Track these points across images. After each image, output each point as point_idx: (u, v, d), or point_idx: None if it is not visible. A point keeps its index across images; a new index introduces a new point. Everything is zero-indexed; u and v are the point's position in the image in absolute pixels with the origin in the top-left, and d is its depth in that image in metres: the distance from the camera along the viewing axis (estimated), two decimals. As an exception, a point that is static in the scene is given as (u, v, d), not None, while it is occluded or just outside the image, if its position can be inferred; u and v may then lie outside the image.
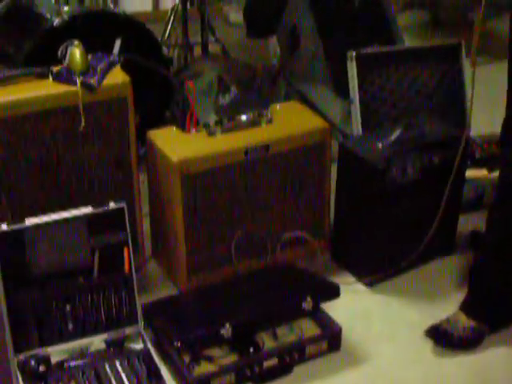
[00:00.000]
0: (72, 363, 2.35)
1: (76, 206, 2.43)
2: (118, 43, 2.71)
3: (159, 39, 3.85)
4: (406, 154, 2.71)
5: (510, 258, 2.50)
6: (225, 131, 2.70)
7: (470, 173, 3.08)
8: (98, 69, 2.53)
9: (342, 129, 3.47)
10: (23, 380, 2.28)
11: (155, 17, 5.08)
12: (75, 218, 2.37)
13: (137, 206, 2.72)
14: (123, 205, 2.42)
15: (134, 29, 3.34)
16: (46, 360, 2.33)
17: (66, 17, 3.20)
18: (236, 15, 5.15)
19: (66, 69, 2.52)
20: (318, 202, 2.88)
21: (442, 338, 2.54)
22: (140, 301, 2.49)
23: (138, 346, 2.43)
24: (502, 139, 2.48)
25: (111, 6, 3.57)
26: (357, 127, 3.14)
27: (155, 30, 3.63)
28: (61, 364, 2.35)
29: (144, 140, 2.76)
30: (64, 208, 2.41)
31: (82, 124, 2.49)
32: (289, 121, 2.81)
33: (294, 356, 2.42)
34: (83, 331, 2.42)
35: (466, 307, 2.59)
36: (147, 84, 3.24)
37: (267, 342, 2.46)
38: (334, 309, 2.57)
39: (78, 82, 2.47)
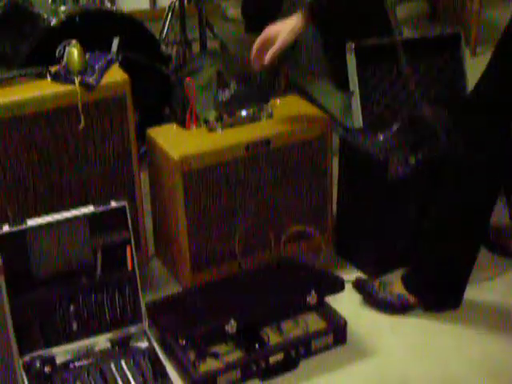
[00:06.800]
0: (77, 363, 2.35)
1: (77, 205, 2.43)
2: (115, 42, 2.71)
3: (157, 37, 3.84)
4: (407, 145, 2.70)
5: (442, 239, 2.54)
6: (225, 127, 2.70)
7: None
8: (97, 68, 2.53)
9: (342, 121, 3.46)
10: (29, 381, 2.27)
11: (153, 14, 5.08)
12: (77, 218, 2.37)
13: (139, 204, 2.71)
14: (124, 203, 2.41)
15: (131, 27, 3.33)
16: (51, 361, 2.33)
17: (63, 16, 3.20)
18: (234, 10, 5.13)
19: (65, 68, 2.51)
20: (321, 196, 2.87)
21: (366, 293, 2.69)
22: (144, 299, 2.49)
23: (143, 344, 2.42)
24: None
25: (108, 4, 3.56)
26: (357, 119, 3.13)
27: (153, 28, 3.63)
28: (66, 364, 2.34)
29: (144, 138, 2.75)
30: (65, 208, 2.41)
31: (82, 123, 2.49)
32: (289, 115, 2.80)
33: (299, 350, 2.42)
34: (88, 331, 2.41)
35: (403, 275, 2.65)
36: (146, 82, 3.24)
37: (272, 337, 2.45)
38: (339, 302, 2.57)
39: (77, 81, 2.46)
